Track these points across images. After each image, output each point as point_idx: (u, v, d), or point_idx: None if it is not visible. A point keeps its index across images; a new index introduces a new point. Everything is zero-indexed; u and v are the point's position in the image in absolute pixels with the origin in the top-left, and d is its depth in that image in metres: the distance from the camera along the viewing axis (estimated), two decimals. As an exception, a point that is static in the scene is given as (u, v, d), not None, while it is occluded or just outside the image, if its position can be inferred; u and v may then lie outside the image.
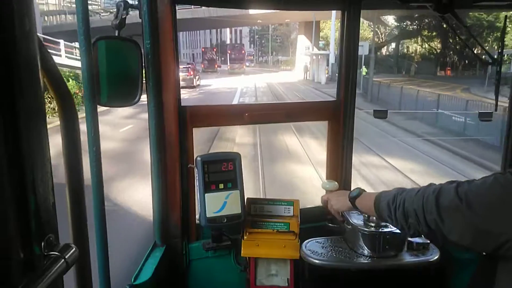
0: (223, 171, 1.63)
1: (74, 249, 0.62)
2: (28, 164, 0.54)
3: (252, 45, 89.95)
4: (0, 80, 0.49)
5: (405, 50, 48.38)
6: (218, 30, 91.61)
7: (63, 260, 0.58)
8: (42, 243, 0.56)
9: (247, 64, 74.66)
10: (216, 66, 57.78)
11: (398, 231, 1.53)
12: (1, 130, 0.49)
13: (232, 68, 54.87)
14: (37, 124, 0.56)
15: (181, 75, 32.61)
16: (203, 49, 62.18)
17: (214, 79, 38.84)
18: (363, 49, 22.39)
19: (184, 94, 9.39)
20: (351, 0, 1.76)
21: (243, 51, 59.50)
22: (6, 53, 0.49)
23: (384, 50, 51.37)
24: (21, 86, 0.52)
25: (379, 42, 37.26)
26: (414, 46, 46.28)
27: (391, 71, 37.98)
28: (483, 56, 1.81)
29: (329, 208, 1.62)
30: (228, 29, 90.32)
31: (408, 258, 1.57)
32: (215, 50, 63.77)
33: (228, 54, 58.90)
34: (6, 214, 0.51)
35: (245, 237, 1.64)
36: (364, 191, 1.42)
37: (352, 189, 1.47)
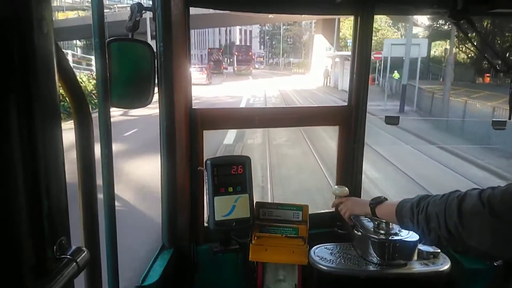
0: (233, 175, 1.63)
1: (85, 252, 0.62)
2: (42, 167, 0.54)
3: (262, 46, 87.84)
4: (18, 82, 0.49)
5: (437, 53, 43.16)
6: (227, 30, 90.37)
7: (74, 263, 0.59)
8: (55, 246, 0.57)
9: (257, 66, 72.95)
10: (222, 67, 56.94)
11: (408, 239, 1.52)
12: (17, 133, 0.49)
13: (239, 70, 54.33)
14: (52, 127, 0.56)
15: (197, 73, 33.75)
16: (209, 50, 61.42)
17: (216, 85, 32.12)
18: (420, 49, 18.59)
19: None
20: (364, 5, 1.75)
21: (250, 53, 58.65)
22: (25, 55, 0.50)
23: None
24: (38, 89, 0.52)
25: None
26: (445, 49, 37.02)
27: (422, 76, 30.09)
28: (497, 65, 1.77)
29: (341, 212, 1.63)
30: (237, 30, 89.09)
31: (417, 267, 1.55)
32: (221, 51, 63.05)
33: (235, 56, 57.95)
34: (20, 217, 0.51)
35: (253, 241, 1.63)
36: (386, 199, 1.44)
37: (361, 195, 1.47)
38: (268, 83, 36.20)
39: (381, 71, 27.63)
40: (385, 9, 1.89)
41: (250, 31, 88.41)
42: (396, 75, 25.62)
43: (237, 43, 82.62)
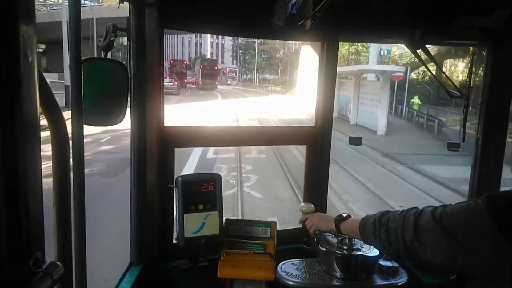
0: (203, 192, 1.66)
1: (60, 266, 0.64)
2: (21, 185, 0.57)
3: (235, 61, 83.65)
4: (3, 105, 0.53)
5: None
6: (198, 43, 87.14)
7: (49, 277, 0.61)
8: (30, 261, 0.59)
9: (228, 82, 70.23)
10: (185, 81, 53.84)
11: (369, 254, 1.59)
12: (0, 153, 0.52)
13: (204, 84, 51.42)
14: (32, 146, 0.59)
15: (168, 84, 34.09)
16: (171, 61, 58.06)
17: (167, 104, 11.16)
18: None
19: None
20: (331, 33, 1.86)
21: (216, 67, 56.01)
22: (11, 81, 0.54)
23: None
24: (21, 112, 0.56)
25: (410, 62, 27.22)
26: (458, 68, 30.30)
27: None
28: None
29: (308, 227, 1.69)
30: (208, 43, 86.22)
31: (378, 281, 1.63)
32: (185, 63, 59.71)
33: (200, 69, 54.49)
34: None
35: (222, 258, 1.66)
36: (350, 216, 1.51)
37: (327, 212, 1.53)
38: (242, 106, 27.84)
39: (394, 95, 21.01)
40: (350, 37, 2.01)
41: (222, 45, 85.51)
42: (416, 100, 20.84)
43: (208, 56, 79.33)
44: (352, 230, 1.44)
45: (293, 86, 45.87)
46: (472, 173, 2.08)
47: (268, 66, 72.22)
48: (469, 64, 2.01)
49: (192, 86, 56.42)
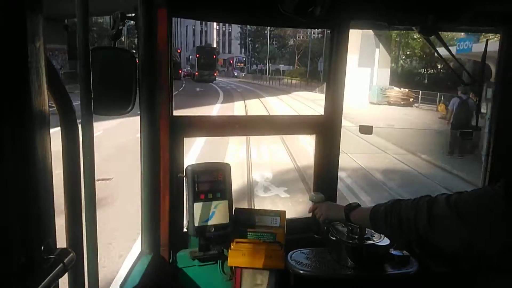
0: (213, 181, 1.67)
1: (71, 253, 0.65)
2: (32, 172, 0.57)
3: (243, 50, 76.05)
4: (12, 91, 0.53)
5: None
6: (203, 31, 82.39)
7: (61, 263, 0.61)
8: (42, 247, 0.59)
9: (235, 74, 63.90)
10: (180, 72, 48.20)
11: (380, 243, 1.59)
12: (9, 139, 0.52)
13: (201, 75, 45.56)
14: (42, 134, 0.59)
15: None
16: None
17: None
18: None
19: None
20: (341, 20, 1.83)
21: (214, 56, 49.20)
22: (19, 66, 0.54)
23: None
24: (29, 97, 0.56)
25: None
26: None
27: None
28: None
29: (317, 216, 1.68)
30: (214, 31, 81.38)
31: (388, 270, 1.62)
32: (179, 51, 53.95)
33: (196, 58, 47.70)
34: (9, 219, 0.54)
35: (231, 247, 1.67)
36: (360, 205, 1.50)
37: (336, 201, 1.52)
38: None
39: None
40: (361, 25, 1.98)
41: (230, 32, 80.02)
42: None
43: (214, 45, 73.21)
44: (363, 219, 1.43)
45: (315, 78, 41.34)
46: (485, 161, 2.05)
47: (281, 55, 64.11)
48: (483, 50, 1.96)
49: (190, 78, 49.73)
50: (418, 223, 1.13)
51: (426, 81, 34.09)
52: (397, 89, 26.54)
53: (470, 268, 1.54)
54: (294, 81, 45.63)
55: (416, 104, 26.03)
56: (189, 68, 56.32)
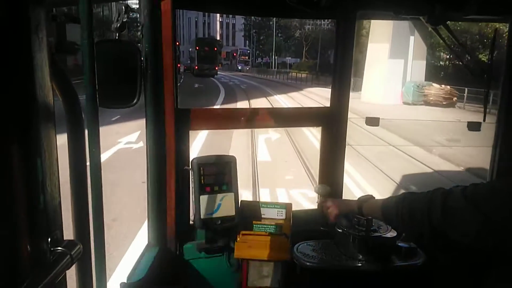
0: (219, 174, 1.67)
1: (78, 245, 0.65)
2: (38, 164, 0.57)
3: (247, 42, 73.09)
4: (15, 84, 0.53)
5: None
6: (206, 23, 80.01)
7: (68, 255, 0.62)
8: (49, 239, 0.60)
9: (239, 67, 60.86)
10: (178, 66, 46.98)
11: (387, 235, 1.58)
12: (14, 132, 0.52)
13: (200, 70, 43.17)
14: (47, 125, 0.59)
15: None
16: None
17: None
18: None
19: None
20: (347, 10, 1.80)
21: (215, 48, 45.92)
22: (21, 57, 0.53)
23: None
24: (33, 89, 0.56)
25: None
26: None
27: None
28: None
29: (328, 211, 1.68)
30: (218, 23, 79.25)
31: (396, 262, 1.62)
32: (178, 44, 54.12)
33: (196, 51, 45.05)
34: (16, 211, 0.54)
35: (238, 239, 1.67)
36: (373, 197, 1.50)
37: (342, 194, 1.52)
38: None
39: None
40: (367, 15, 1.96)
41: (233, 24, 77.44)
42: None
43: (218, 38, 71.36)
44: (375, 211, 1.43)
45: (326, 72, 37.79)
46: (493, 153, 2.03)
47: (287, 48, 60.89)
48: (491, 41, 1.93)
49: (190, 72, 46.90)
50: (431, 215, 1.12)
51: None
52: (436, 85, 22.19)
53: (478, 260, 1.53)
54: (302, 75, 42.76)
55: (458, 104, 21.44)
56: (188, 62, 54.12)
